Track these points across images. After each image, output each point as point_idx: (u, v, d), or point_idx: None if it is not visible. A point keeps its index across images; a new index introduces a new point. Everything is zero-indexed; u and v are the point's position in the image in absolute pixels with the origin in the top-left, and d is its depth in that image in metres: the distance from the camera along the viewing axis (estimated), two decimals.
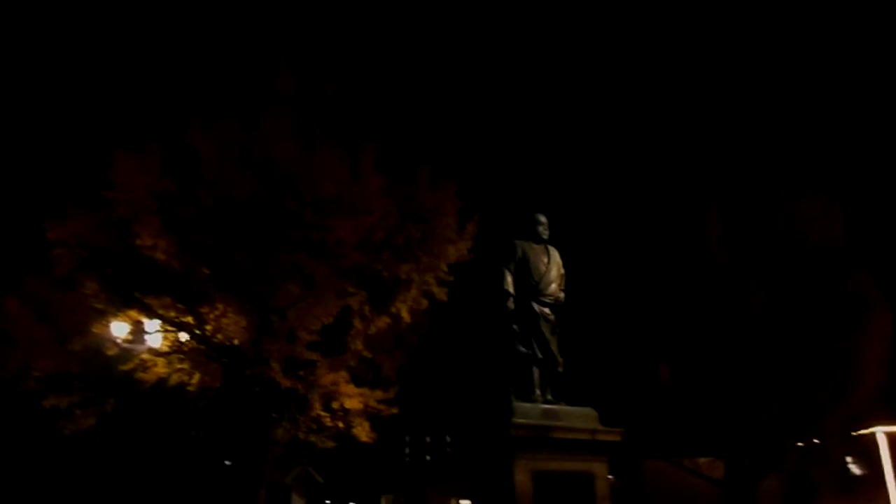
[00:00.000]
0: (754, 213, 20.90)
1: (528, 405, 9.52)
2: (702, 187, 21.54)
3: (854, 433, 21.90)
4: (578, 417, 9.65)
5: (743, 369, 20.15)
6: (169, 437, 14.43)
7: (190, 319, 13.80)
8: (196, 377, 14.89)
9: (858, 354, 18.75)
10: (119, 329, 16.75)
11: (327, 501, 34.40)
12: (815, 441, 21.17)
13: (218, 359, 13.44)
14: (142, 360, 15.69)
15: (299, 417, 13.14)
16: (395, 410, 14.72)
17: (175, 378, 15.32)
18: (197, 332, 13.71)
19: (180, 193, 12.43)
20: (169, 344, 15.46)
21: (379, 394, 14.35)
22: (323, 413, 13.15)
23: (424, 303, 13.78)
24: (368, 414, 14.68)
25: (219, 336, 13.25)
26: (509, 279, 10.12)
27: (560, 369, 10.20)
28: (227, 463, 13.44)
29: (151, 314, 15.35)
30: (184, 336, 15.08)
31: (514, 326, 10.08)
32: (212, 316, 13.00)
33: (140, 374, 15.71)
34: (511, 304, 10.05)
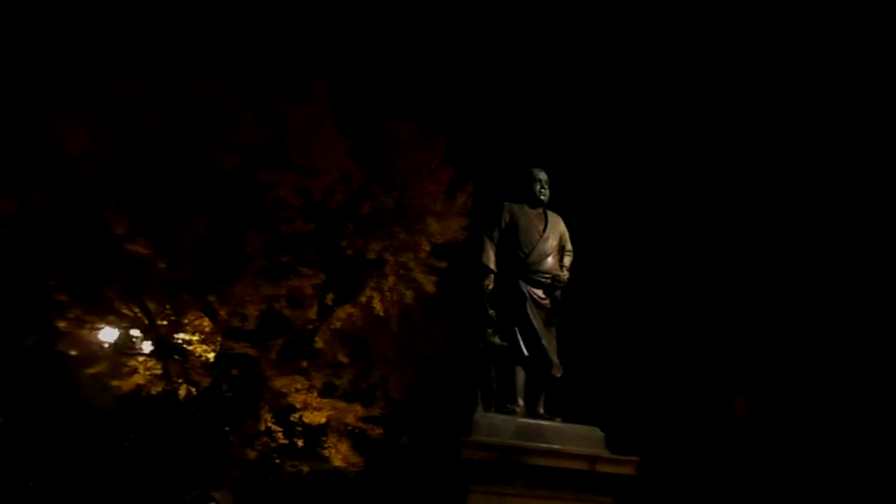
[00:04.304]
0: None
1: (499, 418, 7.28)
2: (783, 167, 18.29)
3: None
4: (574, 439, 7.30)
5: (846, 409, 16.72)
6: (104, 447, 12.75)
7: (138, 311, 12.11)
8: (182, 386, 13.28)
9: None
10: (109, 334, 15.53)
11: None
12: None
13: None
14: (123, 364, 14.14)
15: (249, 432, 11.13)
16: (379, 431, 12.46)
17: (155, 386, 13.76)
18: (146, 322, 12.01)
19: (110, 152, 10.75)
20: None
21: (359, 409, 12.10)
22: (275, 427, 11.08)
23: (409, 294, 11.50)
24: (349, 434, 12.47)
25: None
26: (490, 251, 8.14)
27: (557, 373, 7.89)
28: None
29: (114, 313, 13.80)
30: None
31: (491, 311, 7.81)
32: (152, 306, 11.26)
33: (114, 381, 14.23)
34: (489, 281, 7.87)
